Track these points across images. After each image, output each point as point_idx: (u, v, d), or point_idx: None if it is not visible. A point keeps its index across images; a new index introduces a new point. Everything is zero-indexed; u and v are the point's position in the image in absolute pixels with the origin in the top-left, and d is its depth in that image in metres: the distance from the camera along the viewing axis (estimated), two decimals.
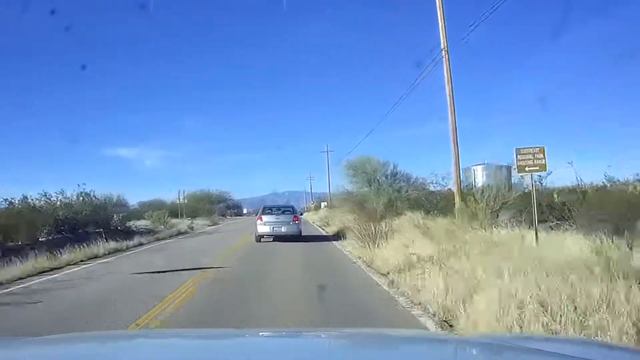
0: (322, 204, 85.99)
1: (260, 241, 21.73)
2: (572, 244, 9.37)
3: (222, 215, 74.95)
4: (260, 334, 3.55)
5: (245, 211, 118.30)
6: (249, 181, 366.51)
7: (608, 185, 14.61)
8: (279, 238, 21.70)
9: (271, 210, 23.34)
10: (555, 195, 14.75)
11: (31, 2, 70.43)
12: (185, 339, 2.90)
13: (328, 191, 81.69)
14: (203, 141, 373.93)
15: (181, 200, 58.60)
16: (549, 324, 5.42)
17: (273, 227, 21.60)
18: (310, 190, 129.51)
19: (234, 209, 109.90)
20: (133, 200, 46.92)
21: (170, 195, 67.17)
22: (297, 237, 21.79)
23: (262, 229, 21.88)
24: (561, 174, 26.99)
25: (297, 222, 22.61)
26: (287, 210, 23.80)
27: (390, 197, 27.93)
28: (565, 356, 2.07)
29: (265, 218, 22.12)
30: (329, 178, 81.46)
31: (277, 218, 22.11)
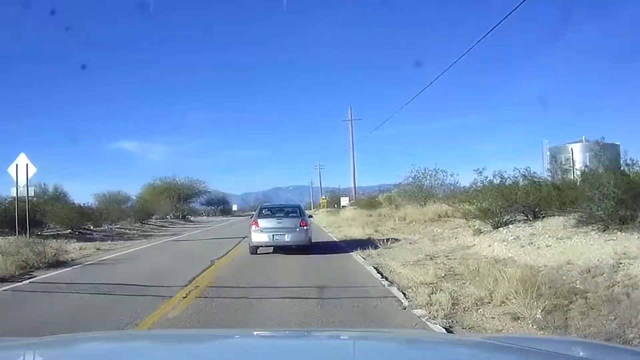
0: (344, 201, 57.14)
1: (256, 253, 15.00)
2: None
3: (183, 217, 45.94)
4: (260, 334, 3.48)
5: (235, 208, 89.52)
6: (251, 176, 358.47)
7: None
8: (280, 249, 15.15)
9: (271, 211, 16.54)
10: None
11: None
12: (186, 340, 2.79)
13: (352, 180, 52.93)
14: (207, 136, 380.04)
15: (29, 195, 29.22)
16: None
17: (273, 235, 14.93)
18: (319, 183, 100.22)
19: (217, 205, 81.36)
20: None
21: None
22: (304, 249, 15.12)
23: (259, 237, 15.07)
24: None
25: (305, 227, 15.38)
26: (292, 212, 16.50)
27: None
28: (565, 356, 2.06)
29: (262, 223, 15.23)
30: (354, 160, 52.64)
31: (279, 222, 15.32)
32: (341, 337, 2.97)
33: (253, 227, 15.17)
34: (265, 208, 17.19)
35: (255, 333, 3.68)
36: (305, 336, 2.97)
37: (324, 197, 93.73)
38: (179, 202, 59.97)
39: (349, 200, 49.81)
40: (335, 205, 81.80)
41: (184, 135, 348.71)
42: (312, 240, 15.76)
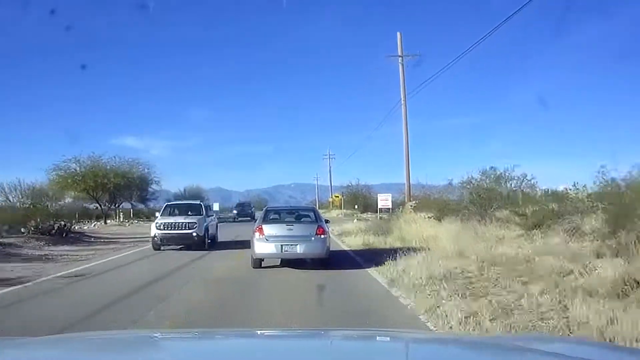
0: (383, 200, 32.76)
1: (260, 266, 12.21)
2: None
3: (61, 232, 21.25)
4: (261, 333, 3.38)
5: (215, 207, 64.77)
6: (252, 173, 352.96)
7: None
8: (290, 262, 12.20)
9: (279, 215, 14.02)
10: None
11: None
12: (187, 339, 2.76)
13: (405, 164, 28.82)
14: (208, 132, 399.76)
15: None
16: None
17: (282, 246, 12.01)
18: (329, 176, 76.16)
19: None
20: None
21: None
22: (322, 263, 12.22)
23: (264, 247, 12.14)
24: None
25: (322, 236, 12.27)
26: (306, 215, 13.87)
27: None
28: (566, 356, 2.03)
29: (268, 229, 12.31)
30: (406, 123, 29.15)
31: (290, 229, 12.43)
32: (342, 337, 2.87)
33: (256, 234, 12.24)
34: (272, 210, 14.58)
35: (256, 332, 3.59)
36: (306, 336, 2.89)
37: (337, 195, 69.52)
38: (108, 197, 36.10)
39: (410, 201, 25.42)
40: (356, 206, 57.90)
41: (185, 131, 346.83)
42: None
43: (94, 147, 45.84)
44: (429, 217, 20.36)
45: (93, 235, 24.16)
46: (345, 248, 17.32)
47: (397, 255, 12.98)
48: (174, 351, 2.39)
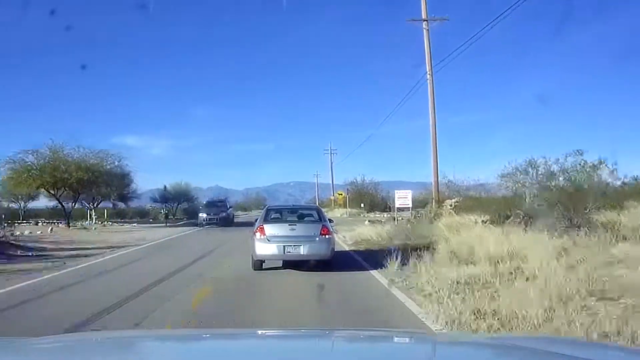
0: (401, 197, 26.96)
1: (261, 268, 11.74)
2: None
3: None
4: (261, 333, 3.32)
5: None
6: (252, 172, 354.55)
7: None
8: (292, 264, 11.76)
9: (281, 214, 13.45)
10: None
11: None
12: (188, 340, 2.70)
13: (433, 154, 22.86)
14: (209, 131, 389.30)
15: None
16: None
17: (284, 247, 11.50)
18: (330, 173, 70.43)
19: (177, 201, 51.61)
20: None
21: None
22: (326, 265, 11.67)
23: (265, 249, 11.63)
24: None
25: (327, 236, 11.69)
26: (309, 215, 13.27)
27: None
28: (566, 356, 2.02)
29: (270, 229, 11.79)
30: (434, 103, 23.21)
31: (292, 229, 11.91)
32: (342, 337, 2.85)
33: (257, 235, 11.71)
34: (273, 209, 13.86)
35: (257, 333, 3.54)
36: (307, 336, 2.87)
37: (341, 192, 63.65)
38: (72, 194, 30.34)
39: (451, 202, 19.52)
40: (362, 205, 52.07)
41: (186, 130, 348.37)
42: None
43: (95, 147, 38.87)
44: (483, 221, 14.62)
45: (28, 245, 18.23)
46: (380, 279, 10.48)
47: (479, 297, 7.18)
48: (174, 351, 2.34)
